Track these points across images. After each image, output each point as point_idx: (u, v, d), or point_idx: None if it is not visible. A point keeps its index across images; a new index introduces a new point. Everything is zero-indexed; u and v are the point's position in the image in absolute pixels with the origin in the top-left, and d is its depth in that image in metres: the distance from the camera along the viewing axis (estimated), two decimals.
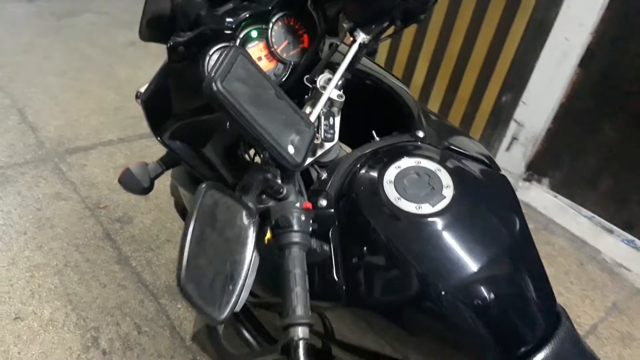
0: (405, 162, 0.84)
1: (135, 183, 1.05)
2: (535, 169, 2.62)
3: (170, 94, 1.04)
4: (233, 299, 0.69)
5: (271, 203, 0.79)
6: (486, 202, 0.84)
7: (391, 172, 0.83)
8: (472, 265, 0.75)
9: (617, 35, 2.19)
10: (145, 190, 1.06)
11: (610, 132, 2.32)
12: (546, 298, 0.82)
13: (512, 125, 2.61)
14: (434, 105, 2.90)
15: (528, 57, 2.47)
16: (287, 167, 0.77)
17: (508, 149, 2.66)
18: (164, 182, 2.22)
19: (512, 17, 2.45)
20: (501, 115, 2.64)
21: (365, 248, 0.80)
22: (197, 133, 1.03)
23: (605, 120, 2.32)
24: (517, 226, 0.83)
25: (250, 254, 0.72)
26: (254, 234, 0.73)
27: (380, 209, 0.79)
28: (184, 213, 1.73)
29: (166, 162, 1.09)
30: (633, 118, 2.22)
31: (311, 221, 0.75)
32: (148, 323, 1.69)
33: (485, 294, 0.76)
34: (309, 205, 0.76)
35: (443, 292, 0.75)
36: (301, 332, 0.65)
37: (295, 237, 0.71)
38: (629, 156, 2.27)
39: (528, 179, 2.65)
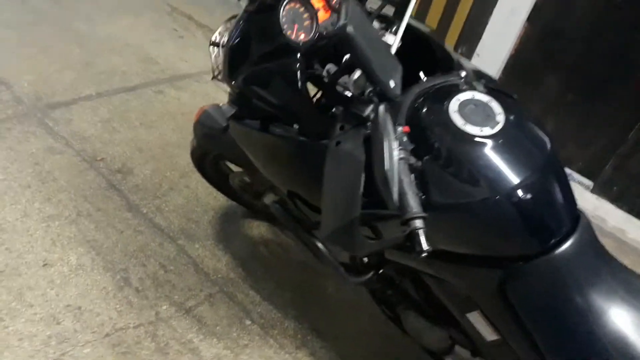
0: (463, 96, 1.04)
1: (214, 123, 1.17)
2: None
3: (247, 42, 1.16)
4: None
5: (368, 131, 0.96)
6: (527, 125, 1.07)
7: (454, 104, 1.02)
8: (521, 173, 0.98)
9: None
10: (223, 129, 1.18)
11: (552, 81, 2.66)
12: (570, 202, 1.07)
13: None
14: None
15: (482, 13, 2.73)
16: (391, 97, 0.94)
17: None
18: (155, 134, 2.28)
19: None
20: None
21: (439, 164, 0.99)
22: (266, 76, 1.16)
23: (548, 71, 2.65)
24: (548, 144, 1.07)
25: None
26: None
27: (450, 133, 0.99)
28: (199, 162, 1.83)
29: (237, 104, 1.22)
30: (573, 68, 2.57)
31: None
32: (171, 262, 1.81)
33: (529, 196, 0.99)
34: (408, 128, 0.94)
35: (499, 196, 0.97)
36: (419, 223, 0.84)
37: (402, 154, 0.89)
38: (568, 104, 2.63)
39: None
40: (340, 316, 1.79)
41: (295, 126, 1.14)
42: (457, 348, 1.35)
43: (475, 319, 1.16)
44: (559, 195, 1.05)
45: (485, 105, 1.02)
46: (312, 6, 1.10)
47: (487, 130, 1.00)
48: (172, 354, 1.55)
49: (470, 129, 0.99)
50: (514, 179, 0.97)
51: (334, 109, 1.07)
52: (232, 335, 1.65)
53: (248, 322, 1.70)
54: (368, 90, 0.98)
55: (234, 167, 1.80)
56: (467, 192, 0.98)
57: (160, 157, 2.22)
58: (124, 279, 1.71)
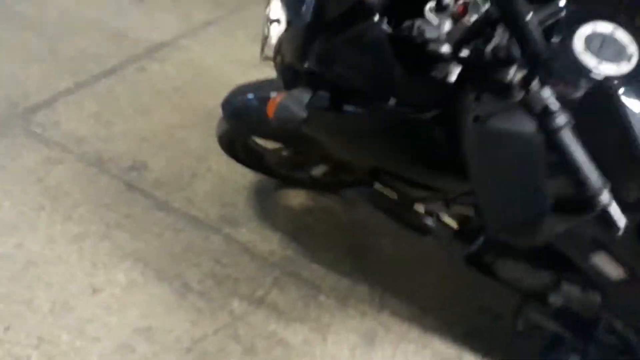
0: (584, 31, 0.89)
1: (293, 114, 1.00)
2: None
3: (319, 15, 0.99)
4: None
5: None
6: None
7: (578, 42, 0.88)
8: None
9: None
10: (304, 120, 1.02)
11: None
12: None
13: None
14: None
15: None
16: (539, 56, 0.79)
17: None
18: (154, 120, 2.07)
19: None
20: None
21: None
22: (347, 49, 0.99)
23: None
24: None
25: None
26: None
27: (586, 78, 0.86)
28: (229, 147, 1.67)
29: (313, 86, 1.05)
30: None
31: None
32: (224, 255, 1.68)
33: None
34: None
35: None
36: (606, 197, 0.73)
37: (565, 118, 0.76)
38: None
39: None
40: (408, 270, 1.72)
41: (392, 100, 0.99)
42: (565, 285, 1.30)
43: (600, 259, 1.10)
44: None
45: (611, 37, 0.89)
46: None
47: (625, 66, 0.87)
48: (261, 351, 1.46)
49: (606, 68, 0.86)
50: None
51: (441, 76, 0.92)
52: (311, 316, 1.56)
53: (322, 297, 1.61)
54: (505, 52, 0.82)
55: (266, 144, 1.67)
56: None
57: (169, 143, 2.03)
58: (182, 285, 1.58)
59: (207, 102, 2.24)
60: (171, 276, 1.60)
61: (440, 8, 1.00)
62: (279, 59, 1.12)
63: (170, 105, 2.20)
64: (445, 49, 0.94)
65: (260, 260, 1.68)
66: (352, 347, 1.50)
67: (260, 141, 1.69)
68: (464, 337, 1.55)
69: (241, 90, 1.53)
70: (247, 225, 1.77)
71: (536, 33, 0.75)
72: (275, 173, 1.82)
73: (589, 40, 0.87)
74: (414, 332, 1.55)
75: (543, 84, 0.77)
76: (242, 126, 1.55)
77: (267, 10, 1.12)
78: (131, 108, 2.15)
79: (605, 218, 0.74)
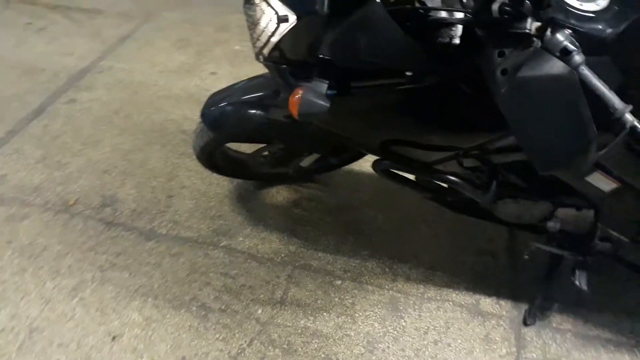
0: None
1: (318, 106, 1.01)
2: None
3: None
4: None
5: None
6: None
7: None
8: None
9: None
10: (328, 110, 1.03)
11: None
12: None
13: None
14: None
15: None
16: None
17: None
18: (106, 149, 1.96)
19: None
20: None
21: None
22: (357, 33, 1.01)
23: None
24: None
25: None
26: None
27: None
28: (209, 160, 1.64)
29: (327, 76, 1.05)
30: None
31: None
32: (230, 266, 1.66)
33: None
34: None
35: None
36: (630, 116, 0.83)
37: (582, 55, 0.85)
38: None
39: None
40: (405, 235, 1.81)
41: (408, 73, 1.04)
42: (560, 210, 1.44)
43: (594, 177, 1.24)
44: None
45: None
46: None
47: (602, 2, 0.98)
48: (299, 349, 1.48)
49: (587, 6, 0.96)
50: None
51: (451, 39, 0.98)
52: (335, 301, 1.60)
53: (338, 282, 1.65)
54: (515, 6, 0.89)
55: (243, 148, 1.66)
56: None
57: (131, 169, 1.94)
58: (200, 306, 1.55)
59: (153, 118, 2.16)
60: (186, 301, 1.56)
61: None
62: (278, 56, 1.11)
63: (117, 130, 2.09)
64: (444, 14, 1.00)
65: (267, 262, 1.69)
66: (381, 319, 1.56)
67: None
68: (474, 281, 1.66)
69: (216, 98, 1.51)
70: (242, 232, 1.76)
71: None
72: (257, 175, 1.81)
73: None
74: (430, 291, 1.64)
75: (557, 28, 0.86)
76: (224, 134, 1.52)
77: (254, 10, 1.10)
78: (77, 142, 2.02)
79: (634, 133, 0.84)
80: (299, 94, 1.02)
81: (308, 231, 1.78)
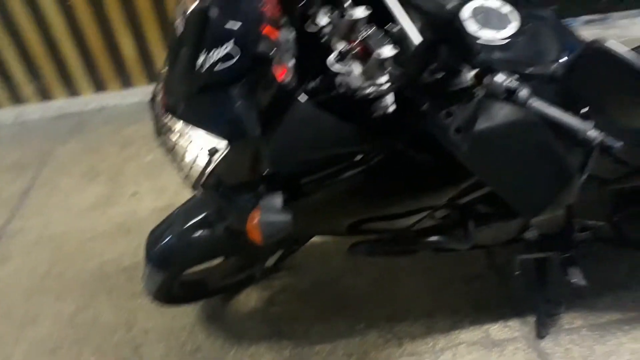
0: (472, 4, 0.98)
1: (281, 223, 0.92)
2: None
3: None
4: None
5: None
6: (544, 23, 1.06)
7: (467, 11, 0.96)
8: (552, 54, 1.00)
9: None
10: (292, 222, 0.94)
11: None
12: None
13: None
14: None
15: None
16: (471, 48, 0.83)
17: None
18: (48, 322, 1.75)
19: None
20: None
21: None
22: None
23: None
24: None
25: None
26: None
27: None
28: (168, 297, 1.50)
29: (277, 187, 0.97)
30: None
31: None
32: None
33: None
34: None
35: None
36: (594, 132, 0.81)
37: (527, 88, 0.82)
38: None
39: None
40: (391, 290, 1.73)
41: (358, 156, 0.98)
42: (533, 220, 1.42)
43: None
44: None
45: (495, 10, 0.98)
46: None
47: (504, 33, 0.97)
48: None
49: (486, 33, 0.95)
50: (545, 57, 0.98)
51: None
52: None
53: None
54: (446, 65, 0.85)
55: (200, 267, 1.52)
56: None
57: (83, 334, 1.72)
58: None
59: (88, 266, 1.97)
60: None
61: (342, 56, 1.01)
62: (217, 183, 1.02)
63: (52, 296, 1.88)
64: (372, 88, 0.96)
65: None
66: None
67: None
68: (474, 312, 1.61)
69: (157, 234, 1.39)
70: (227, 356, 1.61)
71: (469, 37, 0.80)
72: (221, 289, 1.68)
73: (476, 12, 0.96)
74: (439, 341, 1.56)
75: (493, 71, 0.83)
76: (177, 268, 1.39)
77: (173, 147, 1.01)
78: (11, 322, 1.79)
79: (603, 147, 0.81)
80: (255, 218, 0.93)
81: (295, 328, 1.66)
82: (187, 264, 1.41)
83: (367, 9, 1.06)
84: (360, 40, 1.01)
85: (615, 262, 1.67)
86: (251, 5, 0.88)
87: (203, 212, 1.34)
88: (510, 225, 1.39)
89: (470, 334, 1.57)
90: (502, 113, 0.85)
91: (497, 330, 1.57)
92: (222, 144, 0.92)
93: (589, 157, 0.85)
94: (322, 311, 1.69)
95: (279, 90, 0.93)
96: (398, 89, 0.94)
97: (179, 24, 0.95)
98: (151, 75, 2.88)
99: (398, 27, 1.05)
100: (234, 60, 0.85)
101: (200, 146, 0.95)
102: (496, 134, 0.87)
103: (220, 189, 1.04)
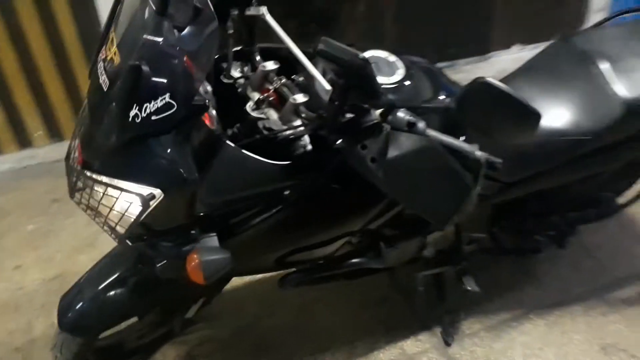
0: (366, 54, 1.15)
1: (221, 261, 0.95)
2: None
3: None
4: None
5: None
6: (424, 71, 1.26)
7: None
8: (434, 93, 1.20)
9: None
10: (231, 260, 0.98)
11: None
12: None
13: None
14: None
15: None
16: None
17: None
18: None
19: None
20: None
21: None
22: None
23: None
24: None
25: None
26: None
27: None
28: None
29: (211, 228, 1.00)
30: None
31: None
32: None
33: None
34: None
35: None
36: (480, 153, 0.99)
37: (422, 121, 0.98)
38: None
39: None
40: (309, 324, 1.79)
41: (286, 192, 1.06)
42: (429, 237, 1.60)
43: None
44: None
45: (384, 59, 1.15)
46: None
47: (394, 78, 1.15)
48: None
49: (380, 79, 1.12)
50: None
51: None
52: None
53: None
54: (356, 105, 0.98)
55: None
56: None
57: None
58: None
59: None
60: None
61: (258, 104, 1.11)
62: (147, 232, 1.04)
63: None
64: (290, 131, 1.07)
65: None
66: None
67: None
68: (388, 332, 1.74)
69: (68, 300, 1.31)
70: None
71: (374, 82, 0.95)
72: (139, 349, 1.60)
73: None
74: None
75: (395, 109, 0.98)
76: (94, 332, 1.33)
77: (98, 198, 1.01)
78: None
79: (490, 164, 1.00)
80: (195, 260, 0.96)
81: None
82: (103, 327, 1.35)
83: (276, 63, 1.18)
84: (274, 90, 1.13)
85: (497, 269, 1.92)
86: (177, 61, 0.94)
87: (115, 272, 1.31)
88: (411, 244, 1.56)
89: (388, 353, 1.68)
90: (407, 143, 1.01)
91: (410, 345, 1.71)
92: (157, 192, 0.95)
93: (479, 172, 1.03)
94: (245, 358, 1.70)
95: (208, 136, 0.99)
96: (313, 130, 1.06)
97: (103, 81, 0.98)
98: (22, 142, 2.70)
99: (303, 78, 1.19)
100: (172, 111, 0.89)
101: (129, 198, 0.96)
102: (405, 160, 1.02)
103: (147, 238, 1.05)
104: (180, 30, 0.92)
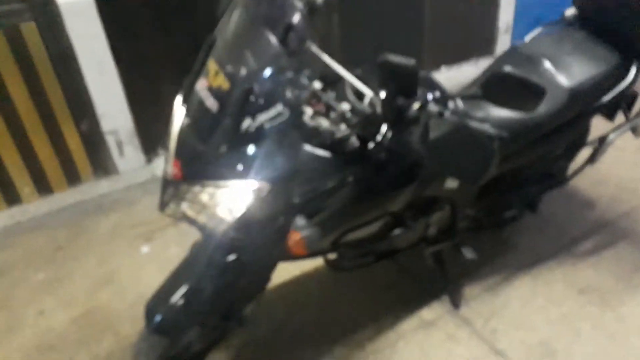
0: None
1: (317, 234, 1.21)
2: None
3: None
4: None
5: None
6: None
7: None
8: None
9: None
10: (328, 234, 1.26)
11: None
12: None
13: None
14: None
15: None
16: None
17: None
18: None
19: None
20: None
21: None
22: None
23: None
24: None
25: None
26: None
27: None
28: None
29: (301, 210, 1.24)
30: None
31: None
32: None
33: None
34: None
35: None
36: (492, 130, 1.32)
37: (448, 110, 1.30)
38: None
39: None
40: (336, 317, 2.03)
41: (350, 178, 1.33)
42: (431, 218, 1.90)
43: (449, 181, 1.74)
44: None
45: None
46: None
47: None
48: None
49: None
50: None
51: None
52: None
53: None
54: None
55: None
56: None
57: None
58: None
59: None
60: None
61: (314, 115, 1.38)
62: (243, 224, 1.26)
63: None
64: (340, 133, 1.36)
65: None
66: None
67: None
68: (406, 309, 2.00)
69: (155, 303, 1.46)
70: None
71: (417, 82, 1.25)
72: (195, 356, 1.75)
73: None
74: (391, 335, 1.90)
75: (426, 103, 1.30)
76: (180, 328, 1.48)
77: (205, 203, 1.23)
78: None
79: (500, 137, 1.34)
80: (297, 236, 1.20)
81: None
82: (187, 327, 1.50)
83: (320, 82, 1.46)
84: (322, 102, 1.40)
85: (479, 243, 2.25)
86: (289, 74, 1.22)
87: (189, 278, 1.47)
88: (418, 226, 1.85)
89: (409, 323, 1.94)
90: (442, 125, 1.32)
91: (426, 314, 1.98)
92: (263, 184, 1.19)
93: (494, 143, 1.37)
94: (286, 351, 1.89)
95: (294, 138, 1.25)
96: (364, 126, 1.34)
97: (210, 104, 1.21)
98: (11, 199, 2.75)
99: (335, 91, 1.47)
100: (284, 117, 1.16)
101: (237, 193, 1.19)
102: (442, 138, 1.33)
103: (253, 228, 1.27)
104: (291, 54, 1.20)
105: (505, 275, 2.13)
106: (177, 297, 1.45)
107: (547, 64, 1.85)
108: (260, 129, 1.15)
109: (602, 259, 2.18)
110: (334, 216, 1.41)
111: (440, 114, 1.28)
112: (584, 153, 2.18)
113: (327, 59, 1.37)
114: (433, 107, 1.28)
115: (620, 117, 2.07)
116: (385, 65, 1.16)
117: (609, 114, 1.98)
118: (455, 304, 2.00)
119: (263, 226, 1.28)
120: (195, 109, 1.24)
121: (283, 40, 1.21)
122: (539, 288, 2.06)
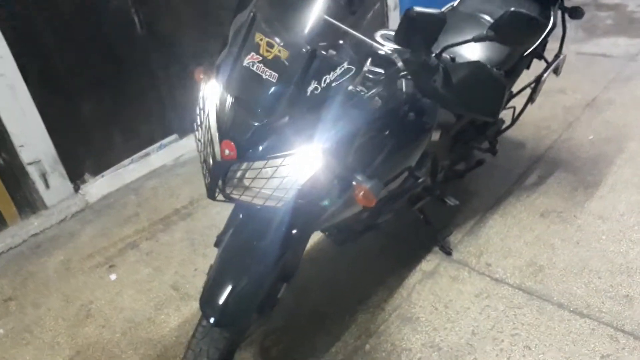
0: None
1: (380, 184, 1.24)
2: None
3: None
4: None
5: None
6: None
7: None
8: None
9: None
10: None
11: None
12: None
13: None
14: None
15: None
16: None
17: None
18: None
19: None
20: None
21: None
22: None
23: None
24: None
25: None
26: None
27: None
28: None
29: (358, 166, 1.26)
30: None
31: None
32: None
33: None
34: None
35: None
36: (498, 72, 1.46)
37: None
38: None
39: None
40: (350, 289, 2.06)
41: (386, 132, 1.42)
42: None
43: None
44: None
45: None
46: None
47: None
48: None
49: None
50: None
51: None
52: None
53: None
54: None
55: None
56: None
57: None
58: None
59: None
60: None
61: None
62: (311, 189, 1.27)
63: None
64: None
65: None
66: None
67: None
68: (406, 264, 2.11)
69: (208, 296, 1.39)
70: None
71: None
72: None
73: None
74: (403, 290, 1.99)
75: (439, 54, 1.40)
76: (242, 317, 1.42)
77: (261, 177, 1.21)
78: None
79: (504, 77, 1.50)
80: (363, 189, 1.23)
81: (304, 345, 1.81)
82: (248, 315, 1.45)
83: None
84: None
85: (448, 192, 2.43)
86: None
87: (244, 260, 1.42)
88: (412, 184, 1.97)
89: (415, 277, 2.05)
90: (459, 71, 1.43)
91: (426, 266, 2.11)
92: (332, 146, 1.21)
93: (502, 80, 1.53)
94: (309, 330, 1.89)
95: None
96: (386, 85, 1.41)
97: (269, 75, 1.18)
98: None
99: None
100: (351, 73, 1.17)
101: (302, 160, 1.19)
102: (462, 82, 1.43)
103: (316, 192, 1.27)
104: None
105: (477, 218, 2.33)
106: (231, 287, 1.38)
107: (486, 17, 2.06)
108: (326, 89, 1.15)
109: (548, 185, 2.49)
110: (379, 169, 1.47)
111: (453, 59, 1.39)
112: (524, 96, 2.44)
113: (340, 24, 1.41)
114: (445, 56, 1.39)
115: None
116: (416, 17, 1.23)
117: (539, 55, 2.26)
118: (447, 251, 2.15)
119: (329, 187, 1.29)
120: (247, 85, 1.21)
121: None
122: (509, 221, 2.29)
